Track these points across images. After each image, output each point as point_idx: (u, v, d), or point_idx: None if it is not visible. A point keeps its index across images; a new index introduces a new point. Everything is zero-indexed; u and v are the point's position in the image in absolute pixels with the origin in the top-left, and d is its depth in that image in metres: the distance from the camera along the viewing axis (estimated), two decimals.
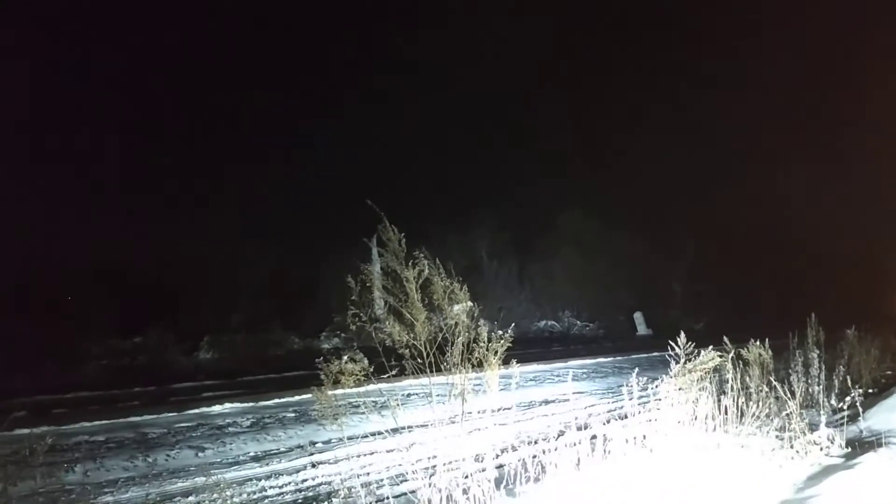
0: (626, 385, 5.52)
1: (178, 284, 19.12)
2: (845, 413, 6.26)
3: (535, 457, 4.70)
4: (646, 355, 14.74)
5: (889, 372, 9.89)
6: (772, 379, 6.04)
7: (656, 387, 5.50)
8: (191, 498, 5.54)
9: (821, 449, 5.62)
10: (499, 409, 6.70)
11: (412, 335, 4.24)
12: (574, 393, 9.95)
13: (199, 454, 6.94)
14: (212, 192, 21.00)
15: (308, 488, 5.77)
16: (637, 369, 5.66)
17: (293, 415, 8.53)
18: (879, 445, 5.54)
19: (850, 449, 5.64)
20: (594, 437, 5.09)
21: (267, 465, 6.52)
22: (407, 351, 4.28)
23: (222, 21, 24.08)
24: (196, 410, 8.99)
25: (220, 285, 19.35)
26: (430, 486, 4.29)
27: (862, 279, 25.13)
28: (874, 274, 24.90)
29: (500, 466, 4.75)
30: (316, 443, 7.24)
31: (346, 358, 4.06)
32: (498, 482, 4.41)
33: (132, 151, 20.99)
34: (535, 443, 4.93)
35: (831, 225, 27.11)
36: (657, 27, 32.44)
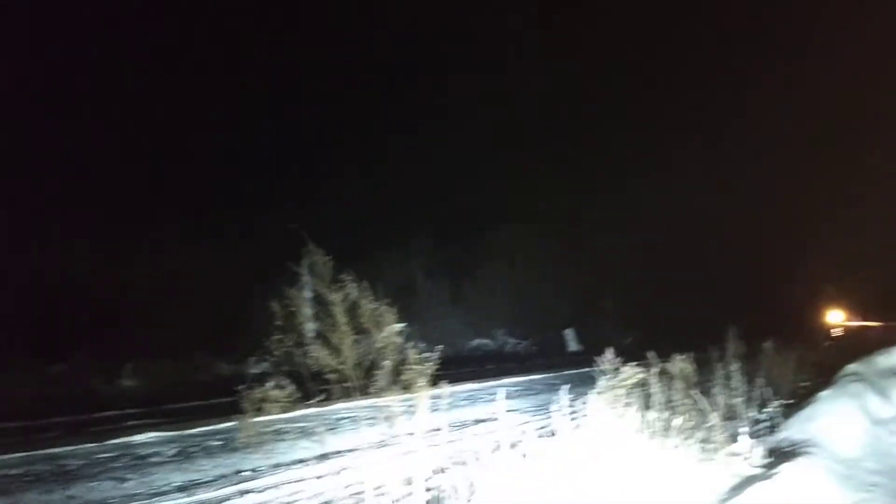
0: (556, 402, 5.57)
1: (101, 309, 18.43)
2: (765, 424, 6.49)
3: (466, 477, 4.68)
4: (576, 371, 14.90)
5: (807, 383, 10.26)
6: (695, 392, 6.20)
7: (584, 403, 5.58)
8: None
9: (742, 459, 5.78)
10: (430, 431, 6.67)
11: (339, 359, 4.20)
12: (506, 411, 9.96)
13: (121, 485, 6.67)
14: (136, 213, 20.30)
15: None
16: (567, 386, 5.73)
17: (220, 443, 8.29)
18: (797, 455, 5.73)
19: (770, 459, 5.81)
20: (525, 454, 5.12)
21: (192, 495, 6.30)
22: (334, 375, 4.23)
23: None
24: (118, 440, 8.65)
25: (144, 310, 18.75)
26: None
27: (786, 293, 26.18)
28: (798, 288, 26.04)
29: (430, 489, 4.71)
30: (242, 471, 7.04)
31: (270, 385, 3.98)
32: None
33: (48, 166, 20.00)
34: (467, 463, 4.91)
35: (759, 242, 28.16)
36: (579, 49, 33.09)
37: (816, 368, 11.01)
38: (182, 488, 6.57)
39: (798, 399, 8.77)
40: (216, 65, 24.08)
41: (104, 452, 8.01)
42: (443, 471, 5.30)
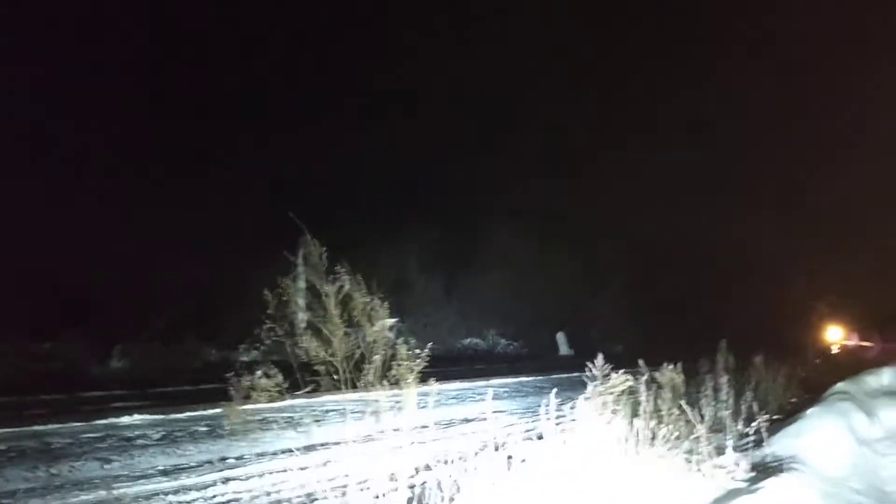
0: (544, 405, 5.56)
1: (92, 288, 18.34)
2: (751, 438, 6.49)
3: (450, 476, 4.67)
4: (566, 375, 14.93)
5: (794, 399, 10.29)
6: (682, 403, 6.21)
7: (572, 408, 5.58)
8: None
9: (727, 472, 5.80)
10: (416, 428, 6.66)
11: (329, 351, 4.19)
12: (494, 412, 9.94)
13: (105, 466, 6.65)
14: (129, 193, 20.15)
15: None
16: (556, 390, 5.72)
17: (205, 429, 8.27)
18: (782, 471, 5.74)
19: (754, 473, 5.83)
20: (510, 456, 5.11)
21: (175, 479, 6.30)
22: (323, 367, 4.23)
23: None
24: (105, 421, 8.58)
25: (135, 291, 18.67)
26: None
27: (779, 310, 26.25)
28: (791, 306, 26.12)
29: (413, 486, 4.71)
30: (227, 458, 7.03)
31: (259, 373, 3.97)
32: (410, 502, 4.36)
33: (50, 138, 19.86)
34: (452, 462, 4.91)
35: (754, 257, 28.21)
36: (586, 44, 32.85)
37: (805, 385, 11.05)
38: (166, 472, 6.56)
39: (785, 415, 8.80)
40: (216, 55, 23.92)
41: (90, 432, 7.94)
42: (428, 468, 5.29)
